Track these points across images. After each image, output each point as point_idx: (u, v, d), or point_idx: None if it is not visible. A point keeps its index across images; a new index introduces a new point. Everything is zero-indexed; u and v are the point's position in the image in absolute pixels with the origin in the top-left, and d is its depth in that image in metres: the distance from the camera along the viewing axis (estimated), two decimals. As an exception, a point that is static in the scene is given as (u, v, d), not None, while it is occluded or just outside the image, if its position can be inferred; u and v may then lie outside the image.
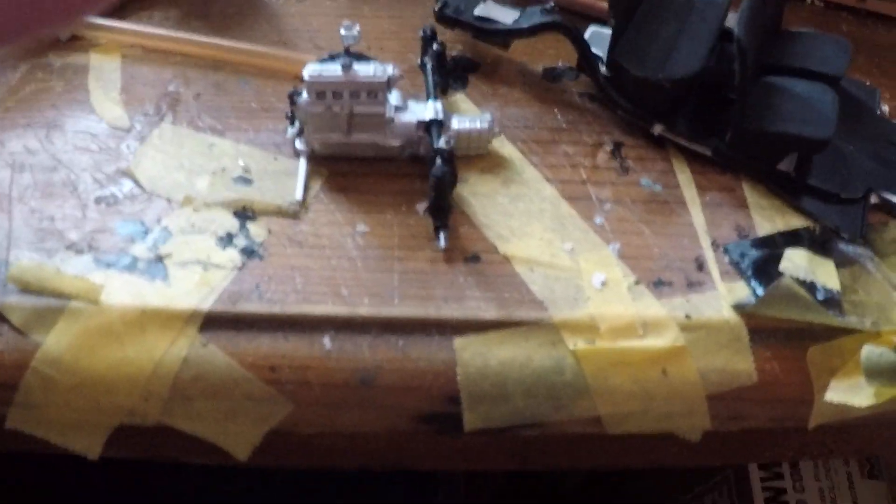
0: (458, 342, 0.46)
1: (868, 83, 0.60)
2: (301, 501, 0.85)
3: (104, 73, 0.56)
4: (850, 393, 0.46)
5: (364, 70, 0.49)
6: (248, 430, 0.46)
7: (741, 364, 0.46)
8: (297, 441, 0.48)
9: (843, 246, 0.50)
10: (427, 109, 0.51)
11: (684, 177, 0.53)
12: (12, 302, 0.45)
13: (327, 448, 0.50)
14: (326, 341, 0.45)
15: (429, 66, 0.53)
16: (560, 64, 0.59)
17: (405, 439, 0.49)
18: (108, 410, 0.45)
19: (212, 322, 0.45)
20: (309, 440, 0.48)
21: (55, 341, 0.44)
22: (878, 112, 0.58)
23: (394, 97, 0.51)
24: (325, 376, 0.45)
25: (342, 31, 0.49)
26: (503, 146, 0.53)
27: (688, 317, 0.47)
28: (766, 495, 0.64)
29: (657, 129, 0.53)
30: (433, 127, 0.50)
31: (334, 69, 0.49)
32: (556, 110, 0.56)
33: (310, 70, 0.49)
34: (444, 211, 0.49)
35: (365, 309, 0.46)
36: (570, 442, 0.50)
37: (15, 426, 0.46)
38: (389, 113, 0.50)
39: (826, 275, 0.49)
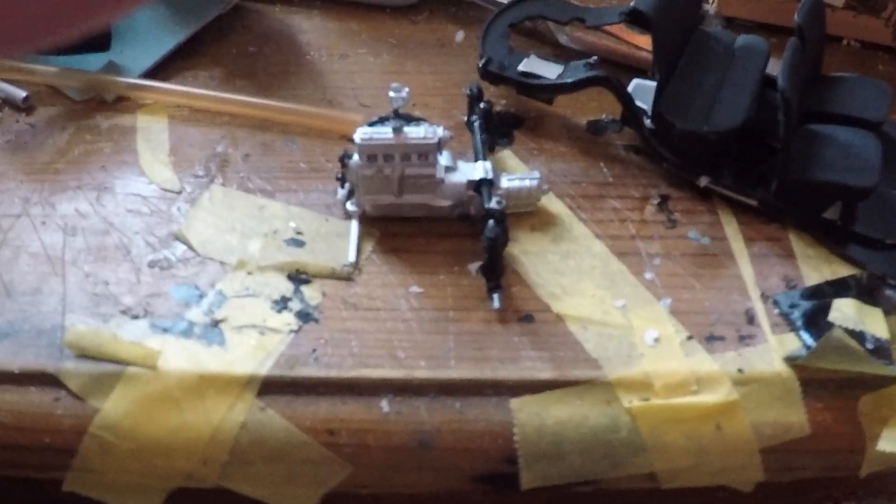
0: (515, 403, 0.46)
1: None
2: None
3: (152, 134, 0.56)
4: (902, 444, 0.46)
5: (415, 132, 0.50)
6: (306, 492, 0.47)
7: (793, 416, 0.47)
8: (355, 498, 0.48)
9: (890, 292, 0.51)
10: (476, 169, 0.51)
11: (731, 228, 0.53)
12: (69, 368, 0.46)
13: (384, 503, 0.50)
14: (384, 404, 0.46)
15: (476, 125, 0.54)
16: (604, 117, 0.59)
17: (461, 495, 0.49)
18: (167, 474, 0.46)
19: (269, 386, 0.46)
20: (366, 498, 0.48)
21: (113, 407, 0.45)
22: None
23: (444, 158, 0.51)
24: (384, 439, 0.45)
25: (391, 94, 0.50)
26: (551, 202, 0.54)
27: (740, 371, 0.47)
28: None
29: (703, 181, 0.54)
30: (483, 187, 0.51)
31: (385, 132, 0.50)
32: (601, 164, 0.56)
33: (361, 133, 0.50)
34: (497, 272, 0.49)
35: (422, 371, 0.47)
36: (623, 495, 0.50)
37: (73, 489, 0.46)
38: (440, 174, 0.51)
39: (875, 323, 0.49)
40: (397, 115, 0.51)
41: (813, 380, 0.47)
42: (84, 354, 0.46)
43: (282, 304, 0.49)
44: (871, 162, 0.51)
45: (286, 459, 0.45)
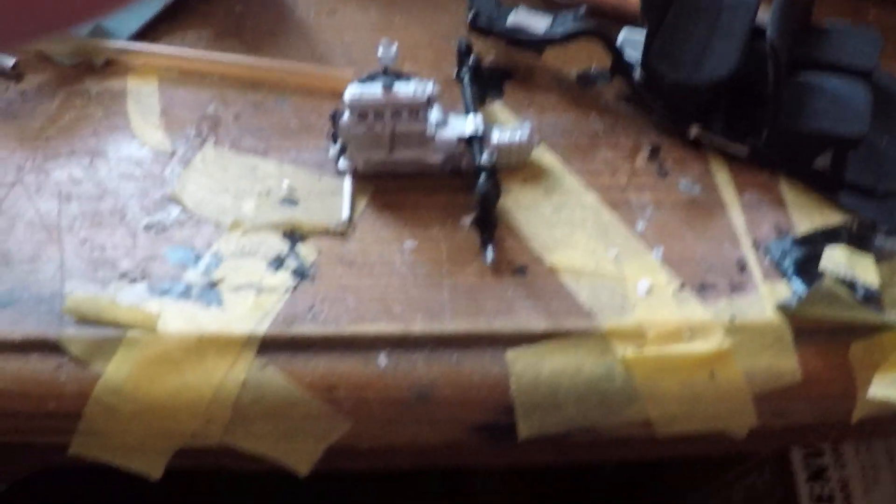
0: (510, 354, 0.47)
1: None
2: (336, 492, 0.86)
3: (142, 97, 0.56)
4: (892, 388, 0.47)
5: (404, 89, 0.50)
6: (307, 447, 0.47)
7: (785, 364, 0.47)
8: (355, 451, 0.49)
9: (881, 240, 0.51)
10: (467, 124, 0.52)
11: (722, 178, 0.53)
12: (71, 334, 0.46)
13: (383, 454, 0.51)
14: (382, 359, 0.46)
15: (466, 79, 0.54)
16: (593, 68, 0.59)
17: (460, 446, 0.50)
18: (170, 435, 0.46)
19: (268, 345, 0.46)
20: (367, 451, 0.49)
21: (115, 370, 0.45)
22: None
23: (434, 113, 0.51)
24: (382, 393, 0.46)
25: (380, 51, 0.50)
26: (543, 155, 0.54)
27: (732, 319, 0.48)
28: (806, 473, 0.65)
29: (693, 131, 0.54)
30: (475, 142, 0.51)
31: (375, 90, 0.50)
32: (592, 115, 0.56)
33: (350, 92, 0.50)
34: (489, 225, 0.49)
35: (418, 325, 0.47)
36: (619, 440, 0.51)
37: (78, 452, 0.47)
38: (431, 130, 0.51)
39: (865, 271, 0.50)
40: (387, 72, 0.51)
41: (804, 327, 0.48)
42: (84, 320, 0.46)
43: (278, 262, 0.49)
44: (861, 111, 0.51)
45: (287, 416, 0.46)
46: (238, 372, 0.46)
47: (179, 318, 0.47)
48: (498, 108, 0.57)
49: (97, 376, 0.45)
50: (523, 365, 0.47)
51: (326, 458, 0.48)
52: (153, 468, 0.47)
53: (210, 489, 0.85)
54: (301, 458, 0.48)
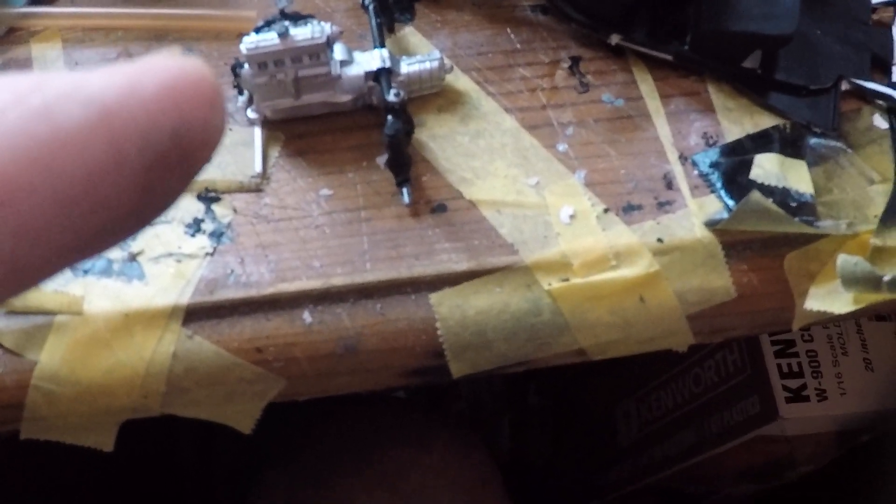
0: (434, 298, 0.46)
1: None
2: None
3: (48, 63, 0.54)
4: (828, 300, 0.46)
5: (302, 34, 0.47)
6: (247, 407, 0.48)
7: (718, 281, 0.46)
8: (296, 404, 0.50)
9: (815, 141, 0.48)
10: (374, 59, 0.49)
11: (646, 87, 0.51)
12: (0, 326, 0.46)
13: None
14: (306, 316, 0.46)
15: (371, 9, 0.51)
16: (508, -23, 0.56)
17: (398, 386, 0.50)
18: (112, 412, 0.47)
19: (193, 314, 0.46)
20: (306, 402, 0.50)
21: (49, 357, 0.46)
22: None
23: (338, 52, 0.49)
24: (310, 349, 0.46)
25: (273, -5, 0.47)
26: (458, 79, 0.51)
27: (660, 240, 0.46)
28: (775, 349, 0.64)
29: (614, 38, 0.51)
30: (382, 77, 0.49)
31: (271, 38, 0.47)
32: (508, 30, 0.53)
33: (247, 43, 0.48)
34: (403, 166, 0.48)
35: (339, 279, 0.47)
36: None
37: (29, 436, 0.48)
38: (335, 70, 0.49)
39: (798, 177, 0.47)
40: (284, 15, 0.48)
41: (736, 242, 0.47)
42: (12, 311, 0.47)
43: (195, 226, 0.48)
44: (789, 6, 0.48)
45: (221, 381, 0.47)
46: (167, 344, 0.46)
47: (104, 297, 0.47)
48: (409, 32, 0.54)
49: (33, 364, 0.46)
50: (448, 307, 0.46)
51: (270, 409, 0.49)
52: (103, 443, 0.49)
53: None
54: (242, 419, 0.49)
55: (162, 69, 0.20)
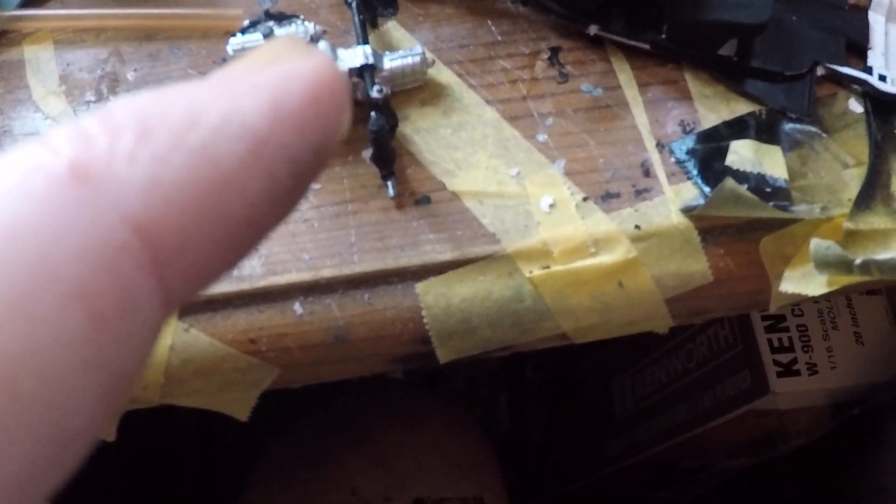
0: (420, 287, 0.48)
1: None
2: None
3: (41, 64, 0.55)
4: (803, 283, 0.47)
5: (286, 34, 0.49)
6: (243, 396, 0.50)
7: (695, 266, 0.48)
8: (289, 391, 0.52)
9: (790, 127, 0.49)
10: (357, 56, 0.50)
11: (624, 76, 0.52)
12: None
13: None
14: (297, 307, 0.48)
15: (354, 5, 0.52)
16: (487, -31, 0.56)
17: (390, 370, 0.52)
18: (113, 401, 0.49)
19: (189, 308, 0.48)
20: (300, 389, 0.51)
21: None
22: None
23: (322, 50, 0.50)
24: (302, 339, 0.48)
25: (257, -4, 0.49)
26: (440, 72, 0.52)
27: (637, 227, 0.47)
28: (766, 324, 0.65)
29: (592, 29, 0.51)
30: (365, 73, 0.50)
31: (257, 39, 0.49)
32: (489, 22, 0.54)
33: (233, 44, 0.49)
34: (388, 160, 0.49)
35: (328, 271, 0.48)
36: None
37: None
38: (319, 68, 0.50)
39: (773, 163, 0.48)
40: (269, 16, 0.50)
41: (712, 227, 0.48)
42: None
43: (188, 223, 0.50)
44: (765, -7, 0.49)
45: (217, 372, 0.48)
46: (164, 337, 0.48)
47: (101, 292, 0.48)
48: (392, 26, 0.55)
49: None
50: (434, 296, 0.48)
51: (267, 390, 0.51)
52: (106, 433, 0.50)
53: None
54: (238, 407, 0.51)
55: (300, 78, 0.20)
